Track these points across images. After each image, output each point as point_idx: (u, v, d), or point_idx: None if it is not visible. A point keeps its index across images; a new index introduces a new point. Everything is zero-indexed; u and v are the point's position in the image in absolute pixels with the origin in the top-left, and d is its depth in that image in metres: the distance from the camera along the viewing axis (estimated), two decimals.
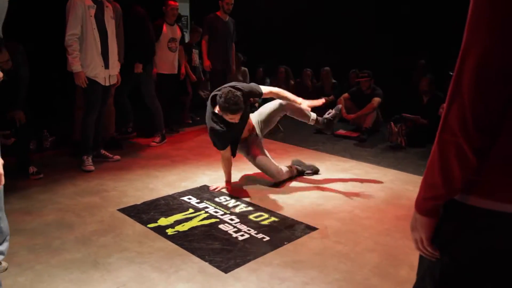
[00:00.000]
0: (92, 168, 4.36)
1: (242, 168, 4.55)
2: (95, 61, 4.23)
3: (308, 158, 4.99)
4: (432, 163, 1.04)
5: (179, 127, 6.33)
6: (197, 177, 4.28)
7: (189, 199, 3.70)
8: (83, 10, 4.10)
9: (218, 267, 2.63)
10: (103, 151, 4.70)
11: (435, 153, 1.03)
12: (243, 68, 8.12)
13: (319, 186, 4.09)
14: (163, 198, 3.70)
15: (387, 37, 7.30)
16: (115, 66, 4.49)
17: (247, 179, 4.27)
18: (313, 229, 3.17)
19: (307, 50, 8.15)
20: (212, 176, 4.30)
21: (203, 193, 3.85)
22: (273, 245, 2.93)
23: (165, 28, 5.63)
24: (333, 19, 7.94)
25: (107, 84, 4.42)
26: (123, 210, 3.42)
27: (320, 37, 8.01)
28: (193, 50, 6.82)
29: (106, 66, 4.34)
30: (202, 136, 5.85)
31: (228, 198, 3.75)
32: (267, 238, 3.02)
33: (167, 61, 5.71)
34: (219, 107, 3.51)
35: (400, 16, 7.36)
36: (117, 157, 4.72)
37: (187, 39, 11.77)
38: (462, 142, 0.96)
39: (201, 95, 7.34)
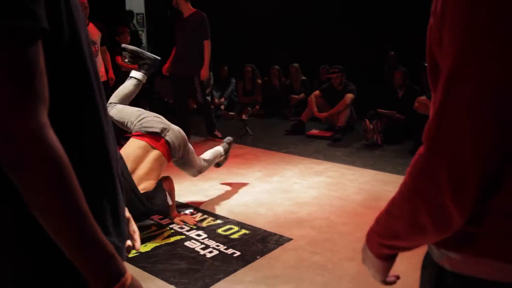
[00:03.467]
0: None
1: (209, 177, 4.49)
2: None
3: (280, 161, 4.98)
4: (399, 208, 0.85)
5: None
6: None
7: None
8: None
9: None
10: None
11: (404, 201, 0.82)
12: None
13: (292, 192, 4.07)
14: None
15: (355, 29, 7.37)
16: None
17: (215, 190, 4.21)
18: (287, 240, 3.14)
19: (274, 47, 8.15)
20: (176, 188, 4.16)
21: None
22: (245, 260, 2.88)
23: None
24: (300, 14, 7.97)
25: None
26: None
27: (288, 33, 8.03)
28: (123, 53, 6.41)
29: None
30: None
31: (193, 211, 3.68)
32: (238, 253, 2.97)
33: None
34: None
35: (367, 5, 7.44)
36: None
37: (144, 41, 11.70)
38: (447, 200, 0.73)
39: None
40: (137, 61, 3.66)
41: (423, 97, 5.17)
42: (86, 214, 0.73)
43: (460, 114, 0.70)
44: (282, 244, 3.08)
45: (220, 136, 6.02)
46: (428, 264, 0.92)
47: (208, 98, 7.96)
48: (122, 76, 5.93)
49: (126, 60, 3.72)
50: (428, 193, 0.76)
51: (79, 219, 0.72)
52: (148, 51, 6.62)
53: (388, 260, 0.97)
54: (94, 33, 5.24)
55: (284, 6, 8.14)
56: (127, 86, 3.65)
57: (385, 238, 0.91)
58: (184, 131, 5.91)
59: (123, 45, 3.83)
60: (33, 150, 0.67)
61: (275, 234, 3.22)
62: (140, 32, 11.34)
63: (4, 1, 0.65)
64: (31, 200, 0.69)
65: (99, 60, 5.29)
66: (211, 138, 6.04)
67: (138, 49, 3.77)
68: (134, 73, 3.67)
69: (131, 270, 2.62)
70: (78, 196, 0.72)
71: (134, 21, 11.00)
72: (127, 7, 10.66)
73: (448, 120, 0.71)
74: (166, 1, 9.38)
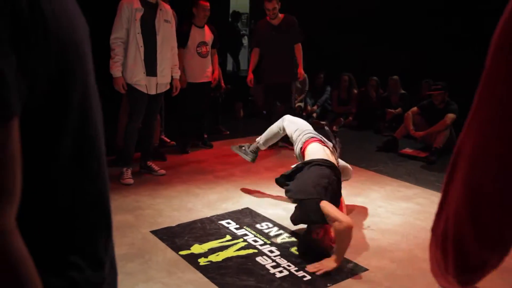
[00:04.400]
0: (131, 181, 4.41)
1: None
2: (136, 67, 4.26)
3: (367, 180, 4.79)
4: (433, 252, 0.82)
5: (213, 139, 6.15)
6: (240, 197, 4.21)
7: (228, 223, 3.63)
8: (130, 13, 4.17)
9: None
10: (149, 163, 4.75)
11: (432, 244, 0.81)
12: None
13: (375, 216, 3.88)
14: (200, 220, 3.66)
15: (465, 41, 6.88)
16: (165, 74, 4.47)
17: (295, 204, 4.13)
18: (362, 269, 2.99)
19: (374, 57, 7.86)
20: (257, 198, 4.21)
21: (244, 217, 3.77)
22: (314, 286, 2.78)
23: (192, 31, 5.38)
24: (403, 20, 7.61)
25: (153, 92, 4.41)
26: (156, 232, 3.40)
27: (390, 41, 7.70)
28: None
29: (151, 73, 4.34)
30: None
31: (270, 225, 3.64)
32: (308, 277, 2.87)
33: (198, 68, 5.47)
34: None
35: (476, 15, 6.91)
36: (163, 171, 4.73)
37: (246, 42, 11.88)
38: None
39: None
40: None
41: None
42: None
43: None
44: (356, 274, 2.93)
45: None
46: None
47: (302, 104, 7.91)
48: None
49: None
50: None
51: None
52: (248, 52, 6.64)
53: None
54: (208, 35, 5.51)
55: (386, 11, 7.82)
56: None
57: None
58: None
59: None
60: None
61: (351, 261, 3.08)
62: (243, 32, 11.57)
63: None
64: None
65: (208, 61, 5.56)
66: (285, 145, 5.96)
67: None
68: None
69: (200, 279, 2.63)
70: None
71: (239, 23, 11.24)
72: (232, 8, 10.91)
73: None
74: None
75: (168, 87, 4.61)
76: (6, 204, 0.57)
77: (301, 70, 5.92)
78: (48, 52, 0.64)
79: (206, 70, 5.54)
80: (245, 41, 11.69)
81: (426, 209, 4.08)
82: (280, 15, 5.67)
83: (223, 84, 6.68)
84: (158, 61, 4.37)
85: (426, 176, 5.06)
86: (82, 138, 0.73)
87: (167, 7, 4.47)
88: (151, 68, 4.34)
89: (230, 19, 10.64)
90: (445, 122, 5.77)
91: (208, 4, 5.34)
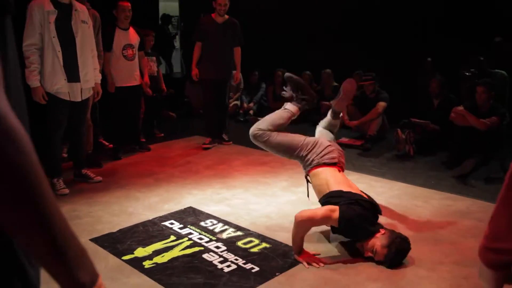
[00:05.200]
0: (66, 191, 4.21)
1: (232, 186, 4.41)
2: (56, 74, 4.00)
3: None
4: (499, 207, 0.87)
5: (149, 142, 5.99)
6: (182, 197, 4.13)
7: (171, 224, 3.55)
8: (42, 16, 3.89)
9: None
10: (84, 171, 4.55)
11: (504, 197, 0.84)
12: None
13: (317, 204, 3.91)
14: (142, 223, 3.55)
15: (391, 34, 7.17)
16: (89, 78, 4.25)
17: (238, 199, 4.12)
18: None
19: (306, 52, 8.01)
20: (199, 196, 4.15)
21: (187, 216, 3.70)
22: (263, 277, 2.77)
23: (117, 34, 5.22)
24: (333, 17, 7.81)
25: (78, 99, 4.17)
26: (96, 240, 3.26)
27: (320, 37, 7.88)
28: (146, 58, 5.99)
29: (74, 79, 4.10)
30: (189, 150, 5.71)
31: (214, 222, 3.59)
32: (257, 268, 2.86)
33: (125, 71, 5.29)
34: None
35: (403, 10, 7.23)
36: (99, 178, 4.55)
37: (177, 44, 11.73)
38: None
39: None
40: (297, 94, 3.60)
41: (461, 108, 4.95)
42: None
43: None
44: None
45: (226, 139, 6.12)
46: None
47: (238, 102, 7.92)
48: (150, 81, 5.94)
49: (285, 92, 3.68)
50: None
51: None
52: (180, 54, 6.55)
53: (499, 270, 0.93)
54: (133, 37, 5.37)
55: (316, 10, 8.00)
56: (282, 116, 3.56)
57: (489, 241, 0.92)
58: (220, 130, 5.96)
59: (286, 74, 3.68)
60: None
61: None
62: (173, 33, 11.42)
63: None
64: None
65: (135, 64, 5.40)
66: (217, 140, 6.07)
67: (302, 82, 3.70)
68: (288, 106, 3.59)
69: (146, 283, 2.56)
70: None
71: (169, 25, 11.08)
72: (162, 11, 10.75)
73: None
74: (199, 3, 9.39)
75: (94, 91, 4.43)
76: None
77: (238, 75, 6.13)
78: None
79: (134, 74, 5.39)
80: (176, 43, 11.56)
81: (365, 192, 4.18)
82: (226, 15, 5.75)
83: (164, 88, 6.55)
84: (79, 65, 4.13)
85: (363, 163, 5.21)
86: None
87: (82, 7, 4.23)
88: (72, 74, 4.08)
89: (160, 22, 10.48)
90: (377, 110, 5.98)
91: (128, 4, 5.22)
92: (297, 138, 3.46)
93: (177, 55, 11.34)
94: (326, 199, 3.05)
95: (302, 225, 2.89)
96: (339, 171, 3.31)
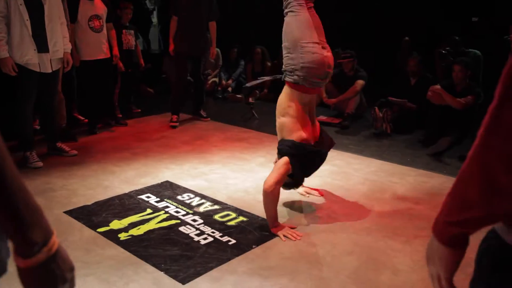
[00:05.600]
0: (40, 164, 4.12)
1: (210, 161, 4.38)
2: (24, 44, 3.83)
3: None
4: (469, 174, 0.81)
5: (125, 118, 5.88)
6: (159, 171, 4.09)
7: (148, 197, 3.52)
8: None
9: (175, 277, 2.47)
10: (59, 144, 4.46)
11: (474, 162, 0.80)
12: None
13: None
14: (118, 197, 3.51)
15: (368, 12, 7.16)
16: (58, 48, 4.09)
17: (215, 174, 4.10)
18: None
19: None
20: (176, 171, 4.11)
21: (164, 190, 3.67)
22: (240, 249, 2.78)
23: (82, 4, 4.94)
24: None
25: (48, 70, 4.03)
26: (70, 212, 3.22)
27: None
28: (124, 30, 5.88)
29: (43, 49, 3.94)
30: (167, 126, 5.64)
31: (191, 196, 3.58)
32: (233, 241, 2.87)
33: (92, 44, 5.03)
34: None
35: None
36: (74, 151, 4.47)
37: (155, 20, 11.50)
38: None
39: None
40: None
41: (437, 86, 4.99)
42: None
43: None
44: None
45: (204, 115, 6.04)
46: (489, 239, 0.90)
47: (216, 79, 7.84)
48: (124, 54, 5.81)
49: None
50: (502, 146, 0.74)
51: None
52: (158, 30, 6.40)
53: (458, 247, 0.89)
54: (99, 7, 5.09)
55: None
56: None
57: (455, 213, 0.85)
58: (198, 107, 5.88)
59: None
60: None
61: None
62: (151, 9, 11.18)
63: None
64: None
65: (103, 36, 5.15)
66: (196, 117, 6.06)
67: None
68: None
69: (122, 254, 2.54)
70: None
71: (147, 0, 10.83)
72: None
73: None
74: None
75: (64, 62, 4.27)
76: None
77: (213, 50, 5.99)
78: None
79: (101, 46, 5.11)
80: (154, 19, 11.32)
81: (343, 169, 4.22)
82: None
83: (142, 62, 6.40)
84: (48, 35, 3.96)
85: (341, 140, 5.22)
86: None
87: None
88: (41, 44, 3.92)
89: None
90: (355, 88, 5.98)
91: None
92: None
93: (155, 32, 11.12)
94: (282, 146, 3.09)
95: (272, 191, 2.92)
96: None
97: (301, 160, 3.02)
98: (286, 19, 3.11)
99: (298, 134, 3.05)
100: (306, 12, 3.05)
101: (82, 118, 5.70)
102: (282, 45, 3.11)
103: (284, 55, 3.09)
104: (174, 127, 5.64)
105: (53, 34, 4.01)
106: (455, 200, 0.84)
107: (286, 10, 3.12)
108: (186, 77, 5.89)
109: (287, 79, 3.09)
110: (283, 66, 3.12)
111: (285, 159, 3.00)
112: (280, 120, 3.17)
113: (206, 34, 5.84)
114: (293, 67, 3.00)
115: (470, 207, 0.81)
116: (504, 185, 0.74)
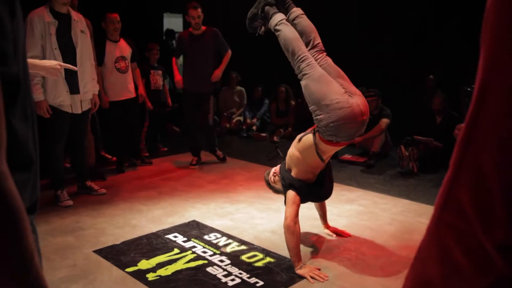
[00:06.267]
0: (70, 202, 4.21)
1: (237, 200, 4.40)
2: (58, 86, 3.99)
3: None
4: (428, 246, 0.71)
5: (152, 157, 5.98)
6: (186, 211, 4.13)
7: (175, 237, 3.54)
8: (42, 27, 3.88)
9: None
10: (88, 183, 4.55)
11: (433, 237, 0.69)
12: (239, 87, 8.05)
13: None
14: (146, 236, 3.54)
15: (393, 50, 7.22)
16: (88, 89, 4.25)
17: (242, 214, 4.10)
18: None
19: None
20: (202, 210, 4.14)
21: (191, 230, 3.69)
22: None
23: (107, 46, 5.10)
24: (335, 35, 7.87)
25: (78, 111, 4.18)
26: (100, 252, 3.25)
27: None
28: (152, 71, 6.16)
29: (74, 91, 4.10)
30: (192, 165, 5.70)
31: (218, 235, 3.58)
32: (261, 283, 2.85)
33: (119, 84, 5.17)
34: None
35: (406, 27, 7.28)
36: (103, 190, 4.55)
37: (181, 59, 11.81)
38: (479, 233, 0.59)
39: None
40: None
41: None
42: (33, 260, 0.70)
43: (488, 134, 0.58)
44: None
45: (221, 156, 5.97)
46: None
47: (241, 118, 7.93)
48: (152, 94, 5.95)
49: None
50: (457, 225, 0.62)
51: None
52: (181, 68, 6.55)
53: None
54: (125, 49, 5.24)
55: (318, 27, 8.05)
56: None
57: None
58: (213, 148, 5.85)
59: None
60: None
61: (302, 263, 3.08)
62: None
63: None
64: None
65: (129, 76, 5.29)
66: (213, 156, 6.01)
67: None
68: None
69: None
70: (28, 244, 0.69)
71: (173, 41, 11.16)
72: (166, 26, 10.84)
73: (475, 141, 0.60)
74: (203, 19, 9.46)
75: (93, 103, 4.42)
76: (3, 151, 0.66)
77: (217, 72, 5.63)
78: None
79: (128, 86, 5.24)
80: (180, 58, 11.62)
81: (369, 209, 4.18)
82: (203, 27, 5.55)
83: (170, 102, 6.55)
84: (79, 76, 4.11)
85: (367, 179, 5.20)
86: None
87: (80, 16, 4.23)
88: (73, 86, 4.08)
89: (164, 38, 10.56)
90: (380, 127, 5.99)
91: (116, 15, 5.07)
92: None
93: (181, 71, 11.39)
94: (286, 180, 3.15)
95: (294, 226, 2.95)
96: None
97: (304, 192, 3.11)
98: (302, 83, 3.04)
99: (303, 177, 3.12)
100: (318, 69, 2.99)
101: (110, 156, 5.82)
102: (309, 108, 3.01)
103: (313, 118, 2.98)
104: (193, 168, 5.64)
105: (83, 76, 4.17)
106: (414, 280, 0.76)
107: (299, 75, 3.07)
108: (194, 116, 5.82)
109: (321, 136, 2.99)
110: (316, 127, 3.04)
111: (291, 193, 3.05)
112: (296, 154, 3.18)
113: (213, 72, 5.65)
114: (324, 128, 2.89)
115: (431, 286, 0.71)
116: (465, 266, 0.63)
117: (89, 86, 4.26)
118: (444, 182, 0.65)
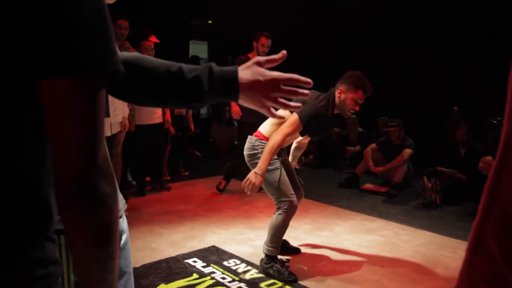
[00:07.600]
0: None
1: (256, 227, 4.39)
2: None
3: (331, 215, 4.81)
4: (459, 285, 0.74)
5: (173, 181, 6.05)
6: (206, 235, 4.13)
7: (194, 262, 3.53)
8: None
9: None
10: None
11: (463, 276, 0.72)
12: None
13: (341, 249, 3.88)
14: (166, 260, 3.54)
15: (417, 81, 7.21)
16: (118, 112, 4.35)
17: (261, 240, 4.08)
18: None
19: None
20: (222, 235, 4.14)
21: (210, 255, 3.68)
22: None
23: None
24: (357, 63, 7.90)
25: (108, 134, 4.21)
26: None
27: None
28: None
29: (105, 114, 4.19)
30: (213, 190, 5.71)
31: (238, 262, 3.57)
32: None
33: (146, 109, 5.19)
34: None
35: (429, 57, 7.29)
36: (125, 212, 4.59)
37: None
38: (508, 277, 0.62)
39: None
40: None
41: (489, 157, 4.89)
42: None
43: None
44: None
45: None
46: None
47: None
48: (175, 120, 6.04)
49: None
50: (486, 268, 0.65)
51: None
52: None
53: None
54: None
55: (340, 60, 8.12)
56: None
57: None
58: (233, 174, 5.85)
59: None
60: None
61: None
62: None
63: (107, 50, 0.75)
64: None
65: None
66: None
67: None
68: None
69: None
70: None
71: None
72: (192, 53, 11.07)
73: (503, 187, 0.63)
74: (228, 47, 9.64)
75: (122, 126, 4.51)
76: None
77: (234, 108, 5.71)
78: None
79: (155, 111, 5.30)
80: None
81: (391, 240, 4.12)
82: None
83: (192, 127, 6.63)
84: (109, 100, 4.12)
85: (388, 210, 5.14)
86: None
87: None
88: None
89: (189, 64, 10.76)
90: (403, 157, 5.94)
91: (151, 43, 5.09)
92: None
93: None
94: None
95: (275, 150, 3.16)
96: None
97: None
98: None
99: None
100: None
101: (130, 179, 5.87)
102: None
103: None
104: (216, 193, 5.64)
105: (114, 99, 4.24)
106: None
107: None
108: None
109: None
110: None
111: (294, 116, 3.17)
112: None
113: None
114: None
115: None
116: None
117: (118, 109, 4.35)
118: (473, 226, 0.68)
